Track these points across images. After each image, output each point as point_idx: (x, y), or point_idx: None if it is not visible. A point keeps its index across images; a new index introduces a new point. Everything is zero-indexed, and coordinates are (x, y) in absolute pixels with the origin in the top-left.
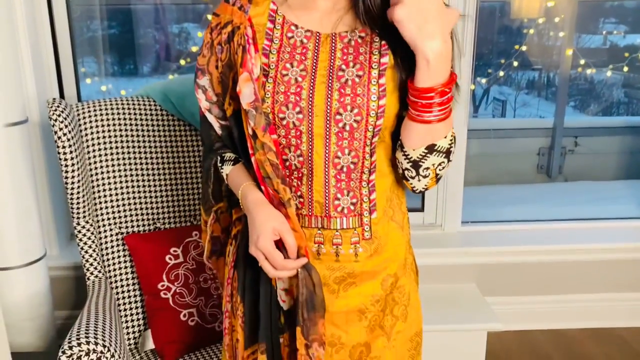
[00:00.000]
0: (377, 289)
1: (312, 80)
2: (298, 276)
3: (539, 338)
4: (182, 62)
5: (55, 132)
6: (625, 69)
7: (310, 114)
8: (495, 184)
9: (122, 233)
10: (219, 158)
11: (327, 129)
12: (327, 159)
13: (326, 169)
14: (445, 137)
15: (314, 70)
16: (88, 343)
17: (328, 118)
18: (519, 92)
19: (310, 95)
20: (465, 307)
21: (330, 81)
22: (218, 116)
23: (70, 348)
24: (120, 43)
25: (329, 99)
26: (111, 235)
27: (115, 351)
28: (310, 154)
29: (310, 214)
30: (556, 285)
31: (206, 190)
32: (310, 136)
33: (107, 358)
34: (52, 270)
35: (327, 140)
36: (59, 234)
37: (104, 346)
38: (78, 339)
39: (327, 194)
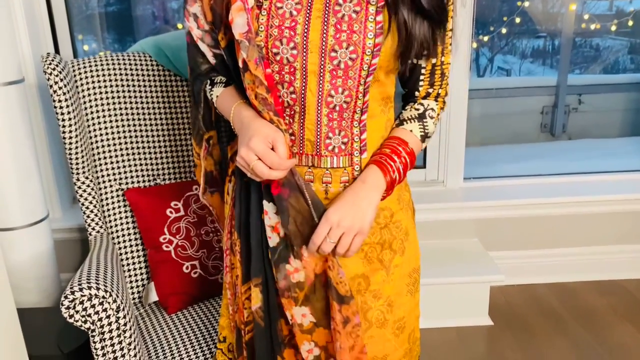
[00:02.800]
0: None
1: (307, 15)
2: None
3: (542, 291)
4: (180, 26)
5: (51, 87)
6: (630, 22)
7: (304, 49)
8: (498, 143)
9: (122, 189)
10: (208, 81)
11: (322, 66)
12: (320, 97)
13: (319, 107)
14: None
15: (309, 4)
16: (90, 288)
17: (323, 55)
18: (523, 60)
19: (305, 30)
20: (468, 261)
21: (326, 16)
22: (211, 45)
23: (73, 293)
24: (119, 20)
25: (324, 35)
26: (111, 191)
27: (118, 297)
28: (303, 92)
29: (301, 152)
30: (559, 238)
31: (196, 116)
32: (304, 73)
33: (109, 303)
34: (56, 233)
35: (321, 78)
36: (62, 197)
37: (106, 291)
38: (80, 284)
39: (318, 133)
